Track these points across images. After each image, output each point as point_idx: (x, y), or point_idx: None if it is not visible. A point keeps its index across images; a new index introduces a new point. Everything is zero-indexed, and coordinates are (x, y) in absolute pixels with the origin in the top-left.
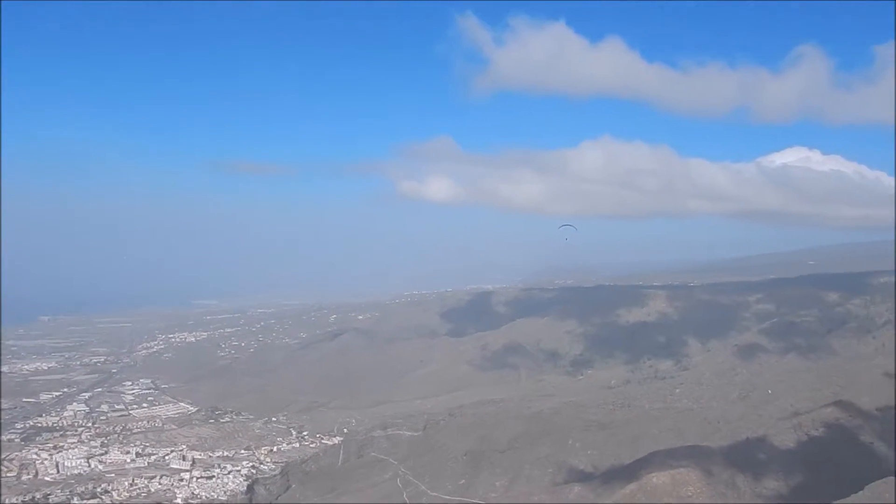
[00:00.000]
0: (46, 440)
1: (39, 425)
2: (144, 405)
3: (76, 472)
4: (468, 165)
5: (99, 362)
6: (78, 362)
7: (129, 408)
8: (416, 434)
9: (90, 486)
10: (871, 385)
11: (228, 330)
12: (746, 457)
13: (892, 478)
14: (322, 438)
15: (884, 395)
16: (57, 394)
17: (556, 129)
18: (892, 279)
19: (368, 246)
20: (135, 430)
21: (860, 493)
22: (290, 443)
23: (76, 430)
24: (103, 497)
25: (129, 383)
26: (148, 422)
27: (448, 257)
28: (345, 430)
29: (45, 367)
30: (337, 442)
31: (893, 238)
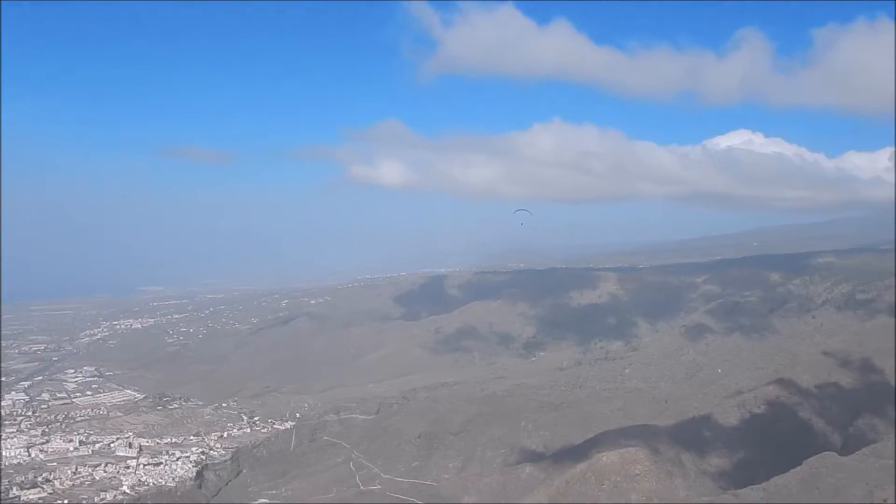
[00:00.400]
0: None
1: None
2: (88, 393)
3: (15, 461)
4: (419, 149)
5: (39, 350)
6: (16, 351)
7: (72, 396)
8: (369, 418)
9: (31, 476)
10: (810, 363)
11: (176, 316)
12: (692, 435)
13: (829, 453)
14: (274, 423)
15: (822, 372)
16: None
17: (506, 112)
18: (832, 259)
19: (320, 231)
20: (78, 419)
21: (798, 468)
22: (241, 428)
23: (15, 420)
24: (45, 486)
25: (72, 371)
26: (92, 410)
27: (401, 242)
28: (297, 415)
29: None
30: (289, 427)
31: (831, 219)
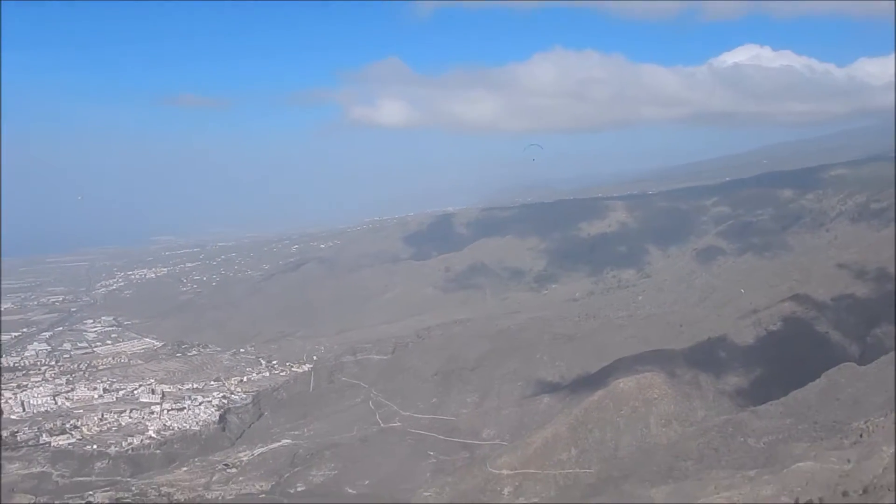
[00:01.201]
0: (9, 380)
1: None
2: (108, 342)
3: (43, 409)
4: (419, 87)
5: (57, 302)
6: (35, 302)
7: (93, 345)
8: (385, 357)
9: (59, 423)
10: (825, 277)
11: (189, 265)
12: (708, 356)
13: (847, 364)
14: (291, 367)
15: (838, 285)
16: (16, 334)
17: (506, 43)
18: (844, 171)
19: (325, 175)
20: (100, 367)
21: (817, 380)
22: (260, 372)
23: (39, 369)
24: (73, 433)
25: (91, 321)
26: (113, 358)
27: (406, 182)
28: (314, 358)
29: (1, 309)
30: (307, 369)
31: (842, 130)
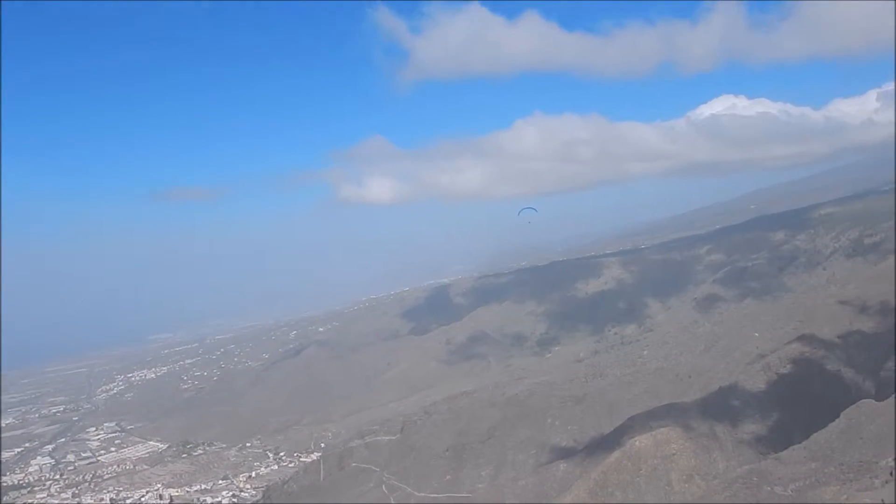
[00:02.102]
0: (14, 498)
1: (4, 484)
2: (112, 449)
3: None
4: (406, 161)
5: (58, 412)
6: (36, 415)
7: (97, 454)
8: (394, 438)
9: None
10: (828, 315)
11: (189, 361)
12: (721, 406)
13: (865, 401)
14: (300, 457)
15: (842, 322)
16: (19, 450)
17: (487, 112)
18: (833, 209)
19: (320, 257)
20: (106, 476)
21: (836, 421)
22: (268, 466)
23: (44, 485)
24: None
25: (93, 429)
26: (118, 465)
27: (401, 256)
28: (322, 445)
29: (3, 425)
30: (316, 458)
31: (827, 169)
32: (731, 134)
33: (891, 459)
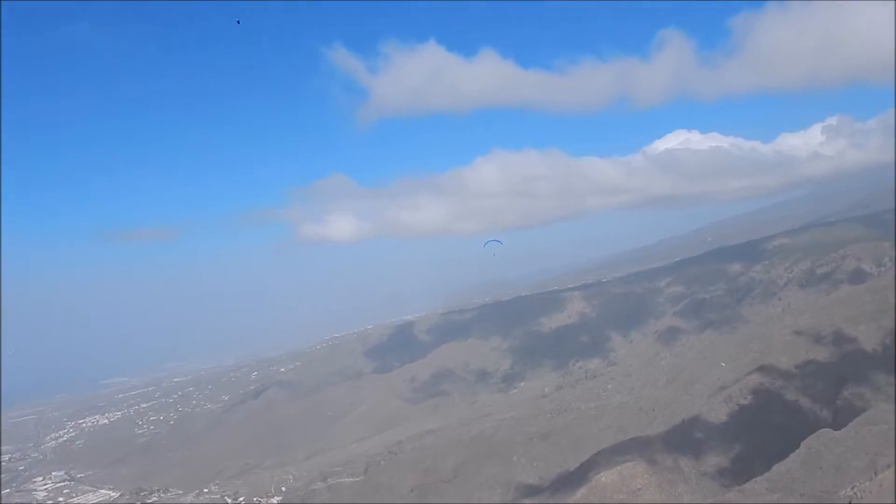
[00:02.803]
0: None
1: None
2: (60, 499)
3: None
4: (366, 199)
5: (3, 461)
6: None
7: None
8: (357, 479)
9: None
10: (785, 345)
11: (144, 405)
12: (685, 438)
13: (823, 430)
14: (260, 501)
15: (799, 352)
16: None
17: (446, 149)
18: (786, 240)
19: (280, 296)
20: None
21: (797, 451)
22: None
23: None
24: None
25: (41, 479)
26: None
27: (363, 293)
28: (283, 489)
29: None
30: (276, 502)
31: (778, 201)
32: (686, 168)
33: (850, 488)
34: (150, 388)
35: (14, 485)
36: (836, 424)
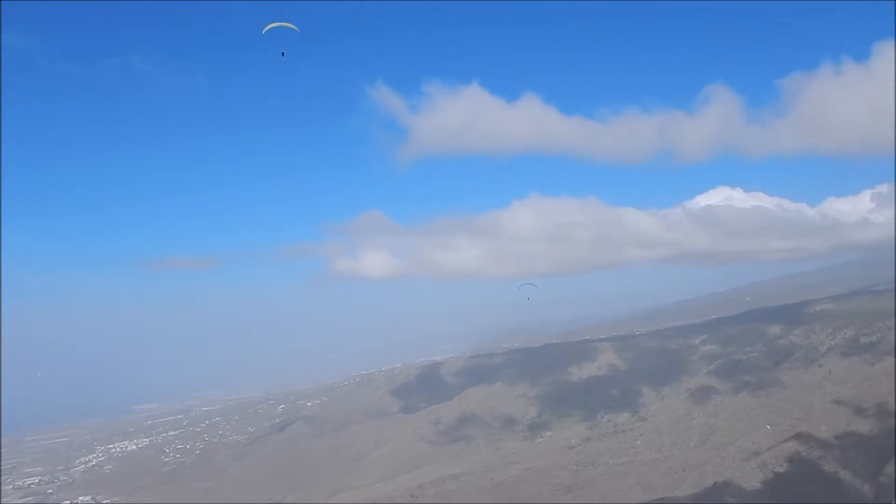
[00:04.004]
0: None
1: None
2: None
3: None
4: (401, 237)
5: (34, 483)
6: (10, 486)
7: None
8: None
9: None
10: (825, 414)
11: (172, 433)
12: (716, 503)
13: None
14: None
15: (839, 422)
16: None
17: (484, 191)
18: (830, 306)
19: (311, 329)
20: None
21: None
22: None
23: None
24: None
25: (68, 502)
26: None
27: (394, 331)
28: None
29: None
30: None
31: (822, 266)
32: (727, 225)
33: None
34: (178, 416)
35: None
36: (878, 501)
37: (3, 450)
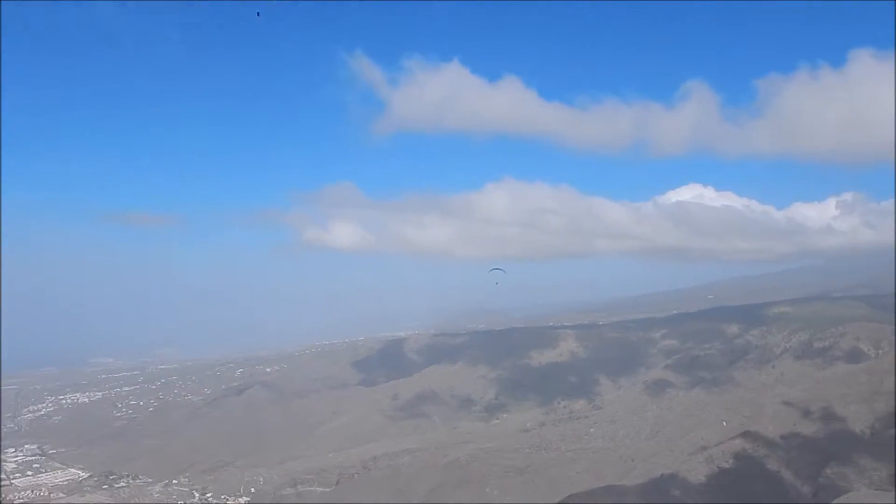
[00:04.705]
0: None
1: None
2: (29, 473)
3: None
4: (373, 211)
5: None
6: None
7: (11, 477)
8: (328, 490)
9: None
10: (774, 414)
11: (126, 389)
12: (661, 494)
13: None
14: (227, 500)
15: (786, 423)
16: None
17: (458, 171)
18: (788, 309)
19: (274, 297)
20: (16, 501)
21: None
22: None
23: None
24: None
25: (12, 450)
26: (32, 491)
27: (358, 305)
28: (252, 490)
29: None
30: (243, 503)
31: (784, 269)
32: (696, 222)
33: None
34: (134, 373)
35: None
36: (816, 501)
37: None
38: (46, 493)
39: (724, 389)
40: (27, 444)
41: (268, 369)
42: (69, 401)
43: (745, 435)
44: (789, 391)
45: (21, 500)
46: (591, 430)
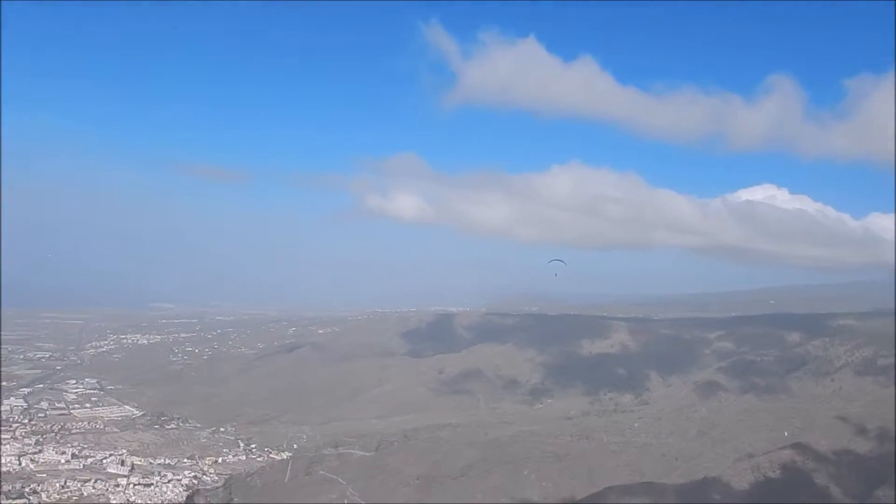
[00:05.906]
0: None
1: None
2: (87, 405)
3: (5, 469)
4: (435, 183)
5: (43, 358)
6: (21, 356)
7: (71, 407)
8: (367, 454)
9: (18, 486)
10: (827, 428)
11: (183, 335)
12: (701, 496)
13: None
14: (270, 452)
15: (839, 438)
16: None
17: (524, 151)
18: (853, 322)
19: (332, 259)
20: (73, 431)
21: None
22: (237, 455)
23: (10, 426)
24: (31, 498)
25: (74, 382)
26: (89, 423)
27: (412, 277)
28: (294, 446)
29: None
30: (285, 457)
31: (853, 280)
32: (765, 224)
33: None
34: (192, 320)
35: (48, 382)
36: None
37: (19, 321)
38: (101, 426)
39: (778, 398)
40: (88, 377)
41: (320, 331)
42: (129, 341)
43: (796, 446)
44: (846, 406)
45: (78, 430)
46: (636, 424)
